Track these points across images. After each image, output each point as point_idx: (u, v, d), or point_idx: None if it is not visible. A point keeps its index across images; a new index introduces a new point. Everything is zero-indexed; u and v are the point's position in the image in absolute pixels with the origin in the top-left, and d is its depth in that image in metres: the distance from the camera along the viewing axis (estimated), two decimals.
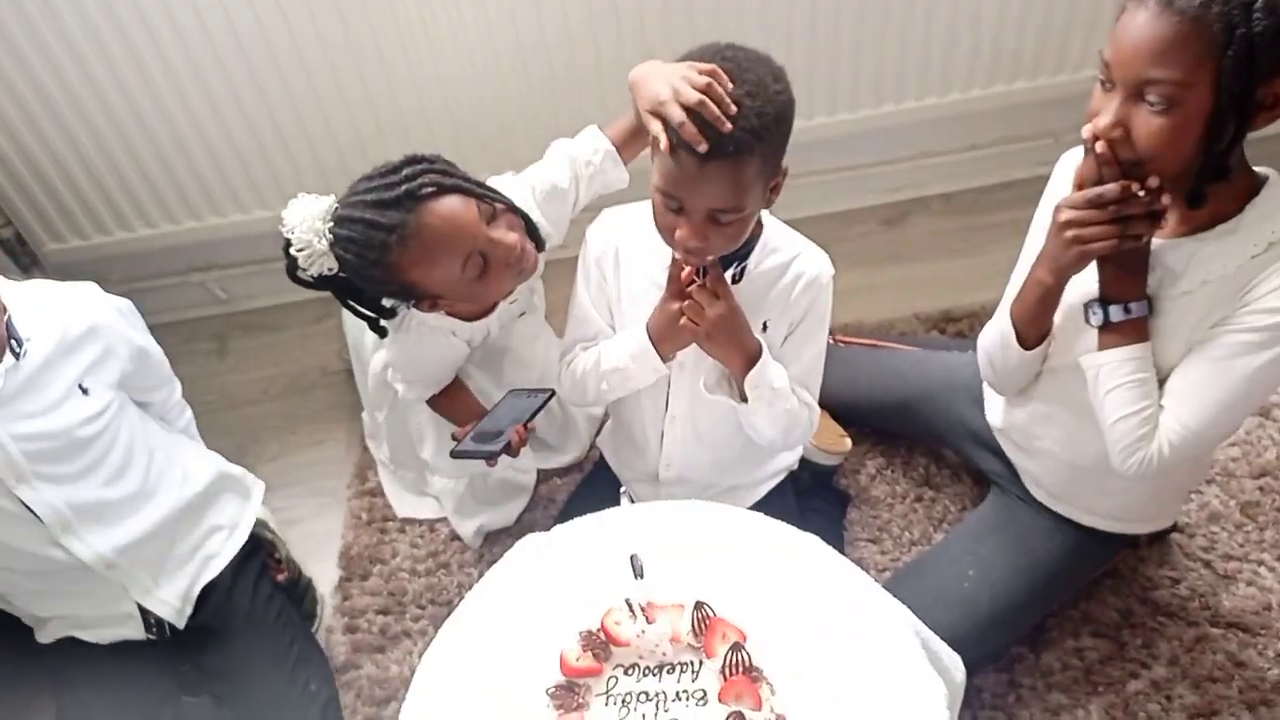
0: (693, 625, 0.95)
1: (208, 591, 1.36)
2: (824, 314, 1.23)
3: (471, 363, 1.55)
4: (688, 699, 0.91)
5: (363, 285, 1.29)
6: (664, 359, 1.19)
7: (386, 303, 1.35)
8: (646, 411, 1.32)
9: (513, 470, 1.67)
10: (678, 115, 0.97)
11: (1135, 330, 1.10)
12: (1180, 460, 1.10)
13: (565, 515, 1.47)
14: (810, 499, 1.56)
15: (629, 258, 1.24)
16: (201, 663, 1.40)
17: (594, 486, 1.60)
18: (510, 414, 1.38)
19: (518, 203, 1.33)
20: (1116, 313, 1.10)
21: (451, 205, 1.22)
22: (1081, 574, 1.42)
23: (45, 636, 1.34)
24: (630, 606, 0.95)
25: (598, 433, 1.70)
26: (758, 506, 1.36)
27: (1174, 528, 1.52)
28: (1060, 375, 1.24)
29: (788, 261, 1.19)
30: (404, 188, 1.19)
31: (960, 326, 1.87)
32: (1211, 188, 1.02)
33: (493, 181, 1.35)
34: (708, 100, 0.96)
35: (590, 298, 1.29)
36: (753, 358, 1.16)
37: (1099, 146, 0.99)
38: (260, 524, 1.48)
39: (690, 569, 1.00)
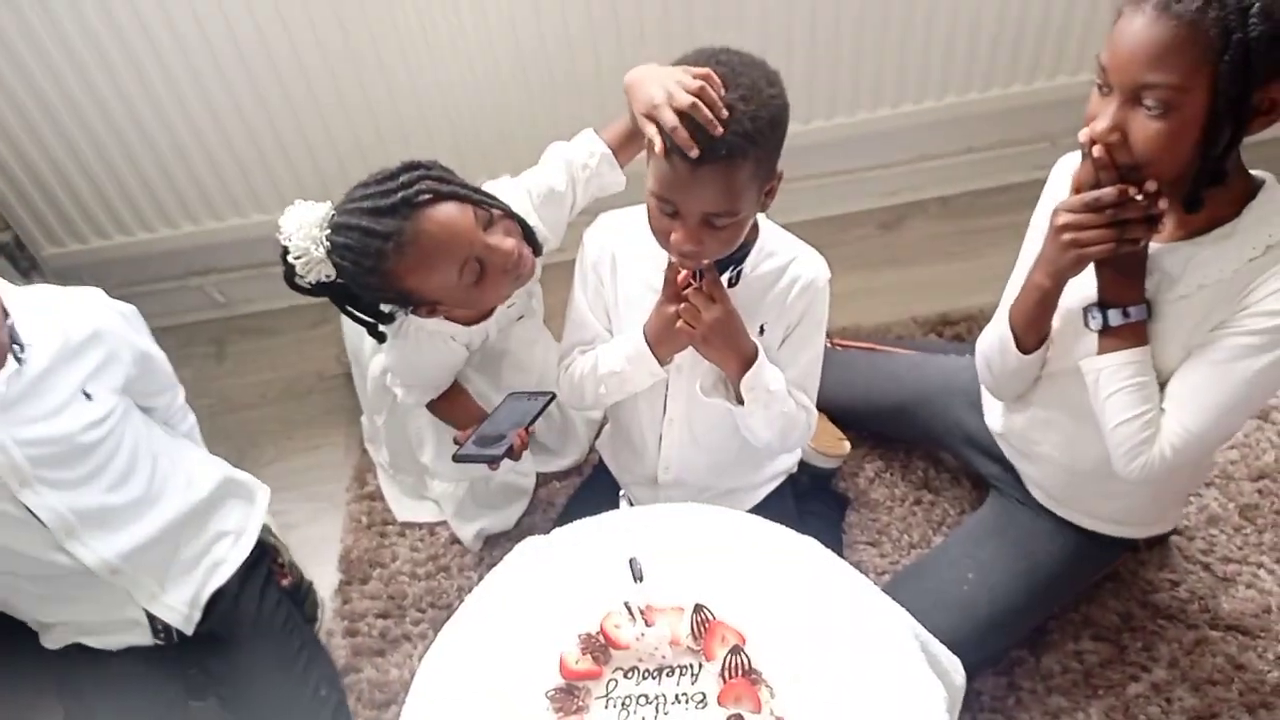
0: (692, 628, 0.95)
1: (215, 598, 1.36)
2: (821, 317, 1.23)
3: (470, 366, 1.56)
4: (687, 702, 0.92)
5: (360, 292, 1.29)
6: (661, 362, 1.20)
7: (385, 308, 1.35)
8: (644, 415, 1.32)
9: (512, 474, 1.67)
10: (670, 119, 0.97)
11: (1134, 334, 1.10)
12: (1182, 463, 1.10)
13: (565, 518, 1.47)
14: (809, 502, 1.56)
15: (626, 262, 1.25)
16: (209, 668, 1.40)
17: (593, 490, 1.60)
18: (511, 417, 1.38)
19: (514, 207, 1.33)
20: (1115, 317, 1.10)
21: (448, 212, 1.22)
22: (1081, 578, 1.42)
23: (52, 642, 1.33)
24: (629, 609, 0.95)
25: (597, 436, 1.70)
26: (757, 509, 1.36)
27: (1173, 531, 1.53)
28: (1059, 379, 1.24)
29: (784, 265, 1.20)
30: (400, 195, 1.19)
31: (958, 330, 1.87)
32: (1208, 192, 1.02)
33: (489, 186, 1.36)
34: (700, 104, 0.96)
35: (587, 301, 1.29)
36: (748, 361, 1.16)
37: (1096, 151, 1.00)
38: (263, 528, 1.48)
39: (689, 572, 1.00)
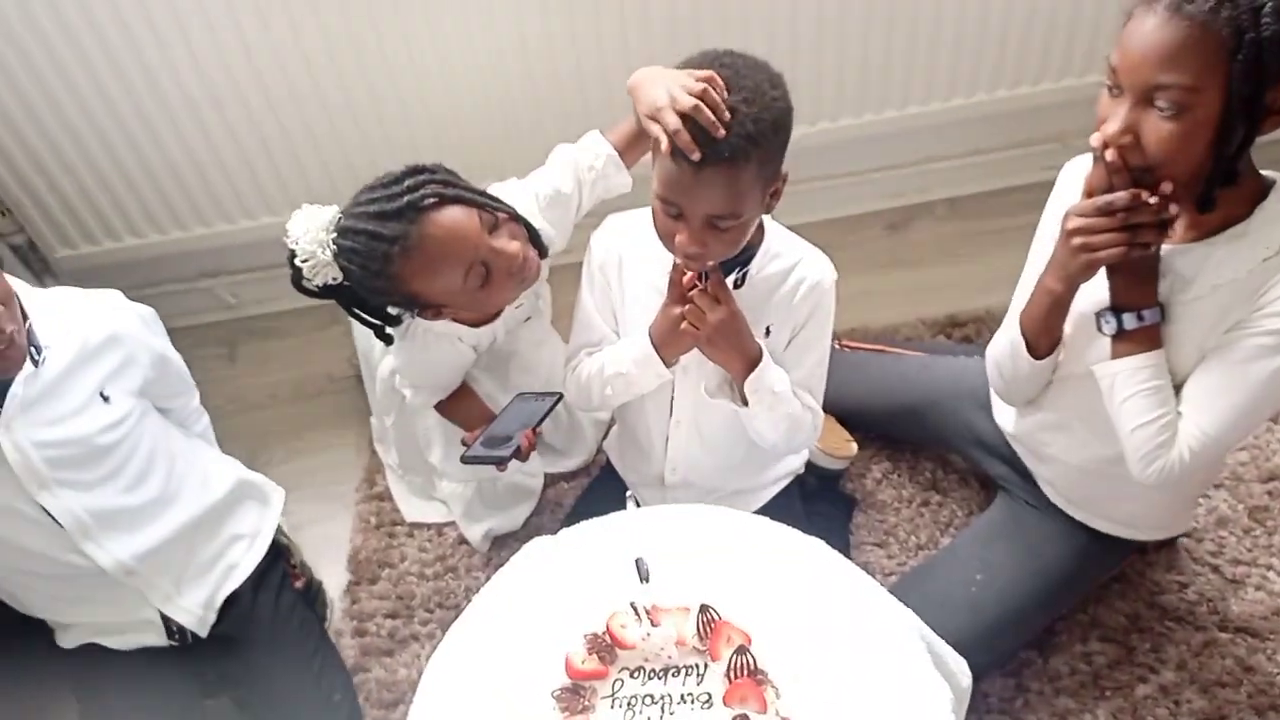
0: (698, 628, 0.95)
1: (230, 601, 1.37)
2: (827, 319, 1.23)
3: (478, 367, 1.56)
4: (693, 702, 0.92)
5: (366, 295, 1.30)
6: (667, 364, 1.20)
7: (392, 311, 1.36)
8: (651, 416, 1.33)
9: (520, 474, 1.68)
10: (673, 122, 0.98)
11: (1148, 337, 1.09)
12: (1200, 466, 1.10)
13: (572, 519, 1.47)
14: (816, 503, 1.56)
15: (632, 264, 1.25)
16: (225, 672, 1.41)
17: (601, 490, 1.60)
18: (519, 418, 1.38)
19: (521, 209, 1.34)
20: (1130, 320, 1.09)
21: (453, 216, 1.23)
22: (1089, 579, 1.42)
23: (67, 641, 1.34)
24: (635, 609, 0.96)
25: (604, 437, 1.70)
26: (764, 510, 1.37)
27: (1183, 532, 1.52)
28: (1070, 383, 1.24)
29: (790, 266, 1.20)
30: (406, 199, 1.20)
31: (966, 331, 1.86)
32: (1221, 192, 1.02)
33: (495, 188, 1.36)
34: (703, 106, 0.96)
35: (594, 303, 1.30)
36: (753, 362, 1.16)
37: (1109, 154, 0.99)
38: (277, 529, 1.48)
39: (695, 572, 1.00)
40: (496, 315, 1.44)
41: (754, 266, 1.18)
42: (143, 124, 1.79)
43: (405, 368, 1.46)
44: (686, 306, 1.13)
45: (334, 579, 1.65)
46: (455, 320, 1.39)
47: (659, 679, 0.94)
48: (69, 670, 1.35)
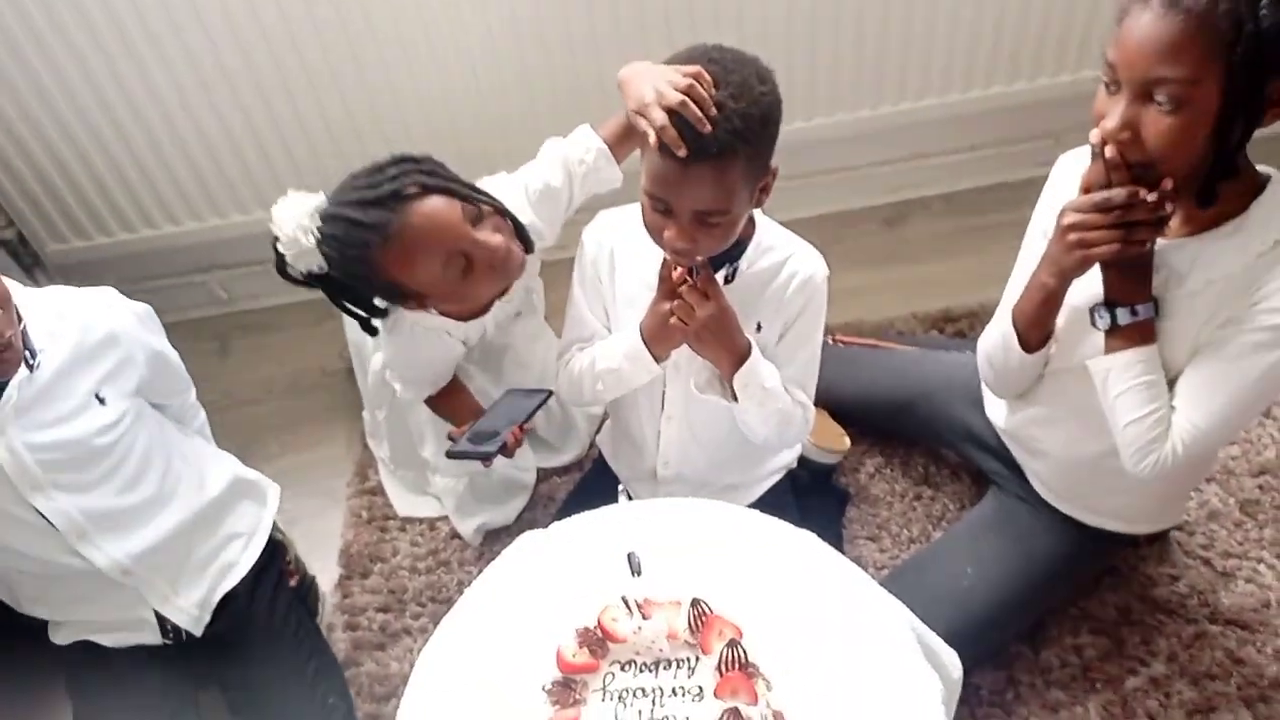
0: (689, 622, 0.95)
1: (226, 600, 1.36)
2: (818, 314, 1.23)
3: (471, 362, 1.56)
4: (684, 695, 0.92)
5: (349, 283, 1.29)
6: (657, 360, 1.20)
7: (380, 303, 1.35)
8: (643, 411, 1.33)
9: (513, 469, 1.68)
10: (659, 118, 0.97)
11: (1142, 332, 1.09)
12: (1193, 460, 1.10)
13: (564, 513, 1.47)
14: (809, 497, 1.56)
15: (623, 260, 1.25)
16: (220, 676, 1.41)
17: (593, 485, 1.60)
18: (507, 414, 1.38)
19: (510, 203, 1.34)
20: (1124, 315, 1.09)
21: (435, 206, 1.22)
22: (1079, 573, 1.42)
23: (60, 638, 1.33)
24: (627, 603, 0.96)
25: (597, 432, 1.70)
26: (757, 505, 1.35)
27: (1174, 526, 1.52)
28: (1062, 378, 1.24)
29: (781, 261, 1.19)
30: (388, 187, 1.20)
31: (959, 326, 1.87)
32: (1219, 185, 1.01)
33: (484, 182, 1.36)
34: (689, 102, 0.96)
35: (586, 299, 1.30)
36: (741, 358, 1.16)
37: (1108, 151, 0.99)
38: (272, 526, 1.48)
39: (687, 566, 1.00)
40: (486, 309, 1.43)
41: (745, 262, 1.18)
42: (134, 117, 1.78)
43: (394, 361, 1.46)
44: (676, 302, 1.13)
45: (326, 573, 1.65)
46: (443, 313, 1.39)
47: (650, 672, 0.94)
48: (62, 667, 1.35)
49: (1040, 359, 1.23)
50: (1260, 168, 1.05)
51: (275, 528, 1.50)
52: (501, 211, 1.31)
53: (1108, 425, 1.14)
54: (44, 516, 1.16)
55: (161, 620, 1.32)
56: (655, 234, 1.09)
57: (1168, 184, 0.98)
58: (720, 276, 1.15)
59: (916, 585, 1.34)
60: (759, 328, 1.20)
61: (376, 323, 1.38)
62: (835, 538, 1.58)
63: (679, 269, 1.12)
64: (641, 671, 0.94)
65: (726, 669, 0.92)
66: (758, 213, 1.17)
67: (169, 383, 1.37)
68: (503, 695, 0.94)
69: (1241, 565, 1.50)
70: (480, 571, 1.08)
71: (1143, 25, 0.94)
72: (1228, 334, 1.06)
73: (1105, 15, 1.77)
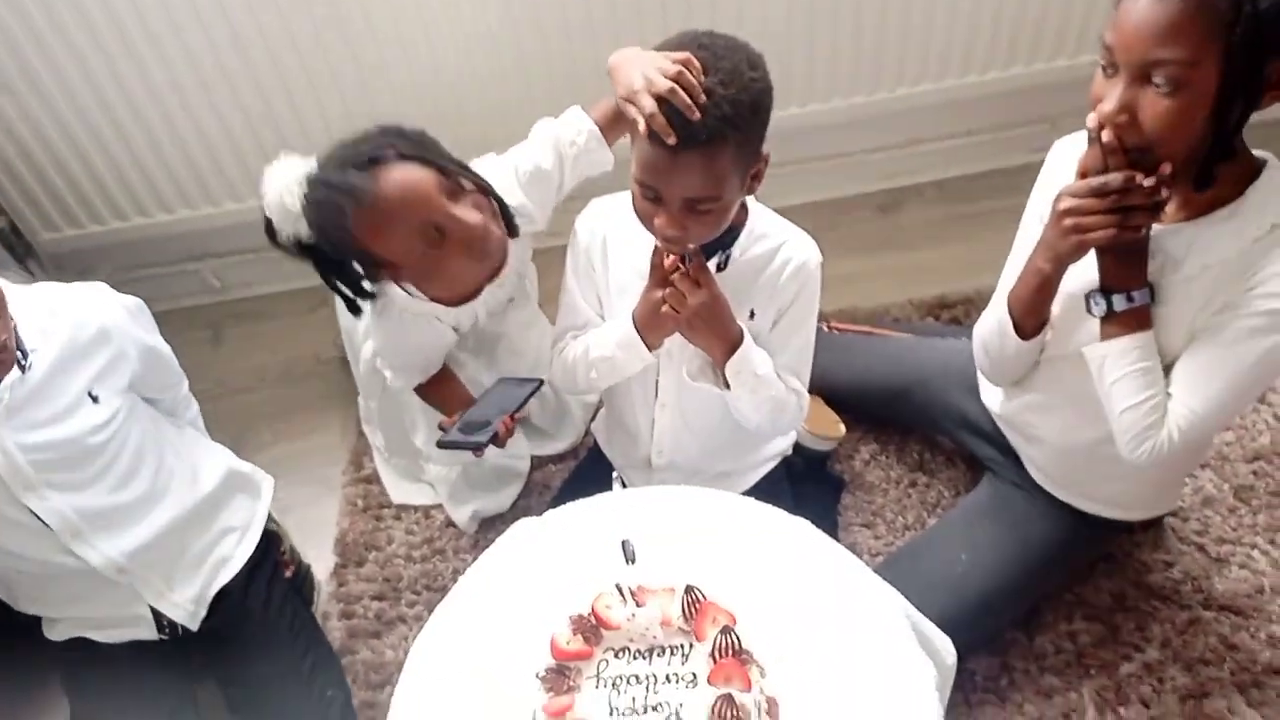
0: (683, 609, 0.95)
1: (221, 594, 1.35)
2: (812, 300, 1.23)
3: (465, 350, 1.55)
4: (678, 681, 0.92)
5: (329, 251, 1.28)
6: (650, 348, 1.19)
7: (367, 286, 1.35)
8: (637, 399, 1.33)
9: (507, 457, 1.67)
10: (648, 105, 0.97)
11: (1138, 319, 1.09)
12: (1189, 446, 1.10)
13: (559, 501, 1.46)
14: (804, 484, 1.56)
15: (616, 248, 1.24)
16: (216, 669, 1.40)
17: (588, 473, 1.60)
18: (499, 404, 1.37)
19: (500, 184, 1.33)
20: (1120, 302, 1.09)
21: (409, 173, 1.22)
22: (1074, 559, 1.42)
23: (56, 634, 1.33)
24: (621, 590, 0.96)
25: (592, 419, 1.70)
26: (751, 492, 1.37)
27: (1168, 512, 1.53)
28: (1057, 364, 1.24)
29: (775, 248, 1.19)
30: (367, 151, 1.20)
31: (955, 313, 1.87)
32: (1217, 168, 1.01)
33: (473, 163, 1.35)
34: (678, 89, 0.95)
35: (579, 286, 1.29)
36: (733, 345, 1.15)
37: (1105, 134, 0.98)
38: (266, 518, 1.48)
39: (681, 553, 1.00)
40: (474, 294, 1.42)
41: (737, 249, 1.17)
42: (126, 105, 1.77)
43: (384, 348, 1.45)
44: (668, 290, 1.13)
45: (321, 562, 1.65)
46: (432, 299, 1.38)
47: (644, 659, 0.94)
48: (58, 663, 1.35)
49: (1036, 346, 1.23)
50: (1256, 152, 1.05)
51: (270, 519, 1.50)
52: (485, 191, 1.31)
53: (1104, 412, 1.14)
54: (38, 516, 1.16)
55: (157, 616, 1.31)
56: (646, 222, 1.08)
57: (1165, 169, 0.98)
58: (713, 264, 1.15)
59: (911, 572, 1.34)
60: (752, 315, 1.20)
61: (365, 307, 1.37)
62: (830, 525, 1.59)
63: (671, 256, 1.12)
64: (635, 658, 0.94)
65: (720, 656, 0.92)
66: (751, 199, 1.17)
67: (161, 377, 1.36)
68: (497, 682, 0.94)
69: (1235, 551, 1.50)
70: (475, 559, 1.08)
71: (1141, 7, 0.93)
72: (1224, 319, 1.05)
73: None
